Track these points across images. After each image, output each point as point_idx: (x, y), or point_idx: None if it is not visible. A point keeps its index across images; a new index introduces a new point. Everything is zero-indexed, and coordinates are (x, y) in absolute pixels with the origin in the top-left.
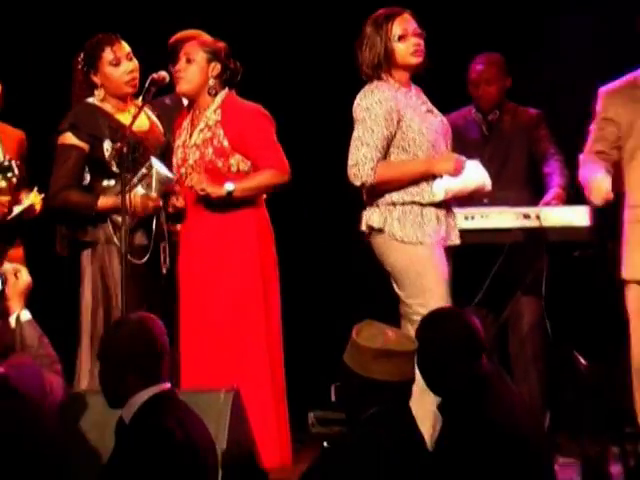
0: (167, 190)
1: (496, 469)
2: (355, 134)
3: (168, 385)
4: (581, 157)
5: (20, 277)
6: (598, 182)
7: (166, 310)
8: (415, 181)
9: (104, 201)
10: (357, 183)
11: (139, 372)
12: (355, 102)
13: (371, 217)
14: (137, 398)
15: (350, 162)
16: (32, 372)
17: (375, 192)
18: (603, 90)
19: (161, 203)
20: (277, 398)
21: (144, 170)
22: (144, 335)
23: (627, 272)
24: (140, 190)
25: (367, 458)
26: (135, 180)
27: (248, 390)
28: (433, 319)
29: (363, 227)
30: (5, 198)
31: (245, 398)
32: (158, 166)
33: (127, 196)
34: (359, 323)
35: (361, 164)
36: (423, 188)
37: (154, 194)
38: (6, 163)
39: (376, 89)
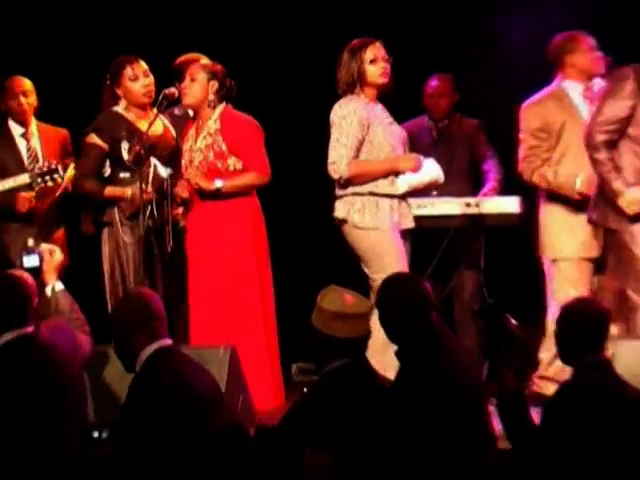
0: (160, 186)
1: (442, 406)
2: (333, 137)
3: (169, 341)
4: (524, 165)
5: (54, 255)
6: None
7: (170, 278)
8: (383, 174)
9: (110, 190)
10: (335, 177)
11: (143, 332)
12: (333, 111)
13: (337, 209)
14: (143, 354)
15: (329, 160)
16: (65, 332)
17: (344, 186)
18: (527, 105)
19: (153, 196)
20: (270, 351)
21: (145, 168)
22: (143, 304)
23: (546, 251)
24: (137, 185)
25: (332, 400)
26: (135, 176)
27: (246, 345)
28: (390, 281)
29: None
30: (31, 194)
31: (243, 351)
32: (157, 165)
33: (142, 186)
34: (324, 288)
35: (338, 162)
36: (379, 182)
37: (149, 188)
38: (52, 167)
39: (350, 101)
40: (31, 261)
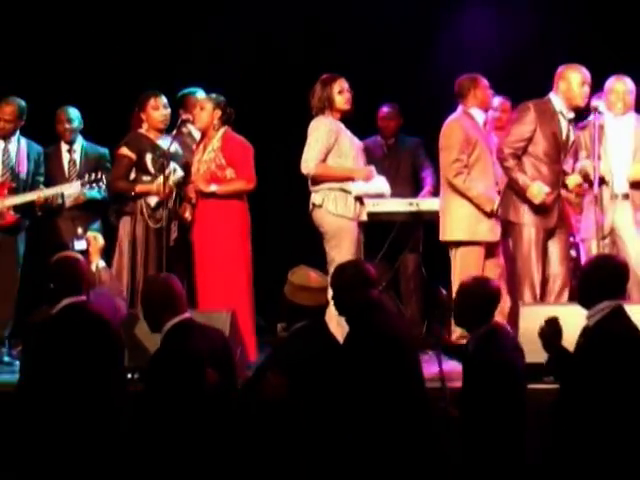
0: (179, 184)
1: (381, 359)
2: (307, 142)
3: (188, 315)
4: (458, 176)
5: (97, 240)
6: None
7: (179, 259)
8: (341, 179)
9: (140, 187)
10: (304, 172)
11: (167, 310)
12: (310, 125)
13: (315, 198)
14: (168, 325)
15: (303, 158)
16: (107, 298)
17: (316, 182)
18: (454, 124)
19: (174, 190)
20: (252, 315)
21: (167, 170)
22: (166, 287)
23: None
24: (161, 180)
25: (293, 356)
26: (160, 175)
27: (238, 311)
28: (341, 265)
29: (310, 204)
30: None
31: (236, 314)
32: (176, 168)
33: (162, 186)
34: (295, 267)
35: (309, 161)
36: (346, 182)
37: (170, 183)
38: (98, 176)
39: (322, 119)
40: (80, 245)
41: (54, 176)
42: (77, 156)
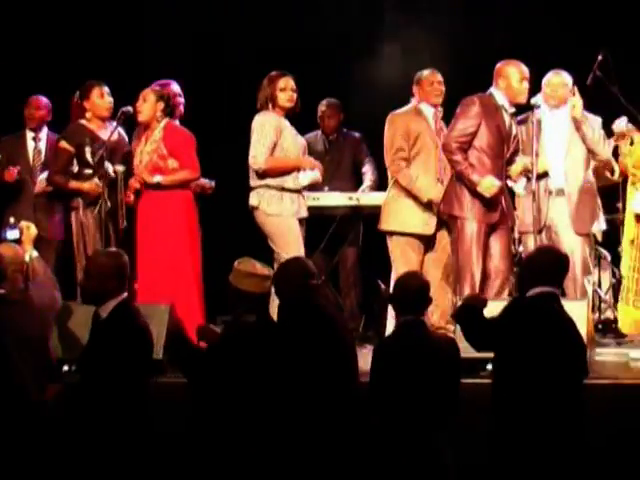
0: (113, 180)
1: (316, 338)
2: (254, 138)
3: (126, 294)
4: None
5: (30, 230)
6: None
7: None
8: (284, 173)
9: (73, 184)
10: (255, 168)
11: (117, 282)
12: (254, 120)
13: (251, 198)
14: (113, 301)
15: (251, 154)
16: (47, 289)
17: (260, 178)
18: (396, 117)
19: (104, 189)
20: (201, 304)
21: (104, 169)
22: (119, 258)
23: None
24: (96, 180)
25: (238, 342)
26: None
27: (182, 300)
28: (284, 262)
29: (249, 206)
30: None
31: (180, 305)
32: (109, 167)
33: (101, 181)
34: (240, 258)
35: (258, 156)
36: (285, 178)
37: (100, 183)
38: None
39: (267, 114)
40: (13, 234)
41: (16, 164)
42: (42, 145)
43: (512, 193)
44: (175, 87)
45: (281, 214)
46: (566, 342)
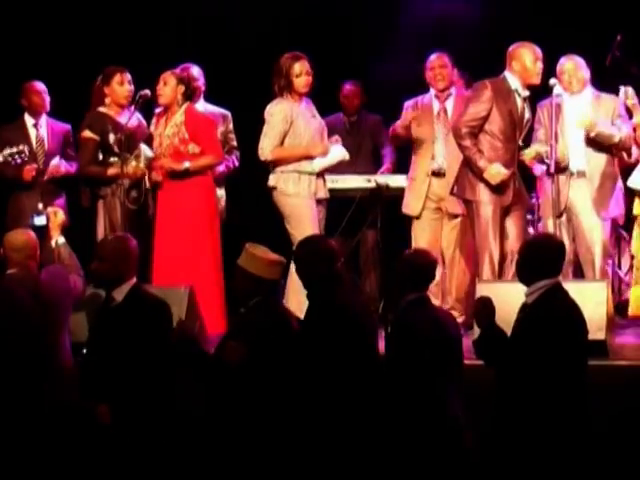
0: (149, 164)
1: (341, 332)
2: (264, 129)
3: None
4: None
5: (58, 215)
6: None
7: (149, 235)
8: (298, 158)
9: (111, 171)
10: (262, 158)
11: (129, 265)
12: (266, 109)
13: (270, 180)
14: (126, 284)
15: (259, 146)
16: (60, 275)
17: (273, 165)
18: (406, 104)
19: (146, 172)
20: (220, 289)
21: (137, 151)
22: (130, 242)
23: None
24: (133, 163)
25: (251, 330)
26: (131, 157)
27: (201, 284)
28: (304, 240)
29: (268, 188)
30: (34, 165)
31: (200, 289)
32: (145, 148)
33: (123, 167)
34: (248, 243)
35: (265, 148)
36: (301, 163)
37: (142, 165)
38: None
39: (279, 102)
40: (40, 220)
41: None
42: (44, 132)
43: (528, 176)
44: (195, 70)
45: (299, 194)
46: (566, 329)
